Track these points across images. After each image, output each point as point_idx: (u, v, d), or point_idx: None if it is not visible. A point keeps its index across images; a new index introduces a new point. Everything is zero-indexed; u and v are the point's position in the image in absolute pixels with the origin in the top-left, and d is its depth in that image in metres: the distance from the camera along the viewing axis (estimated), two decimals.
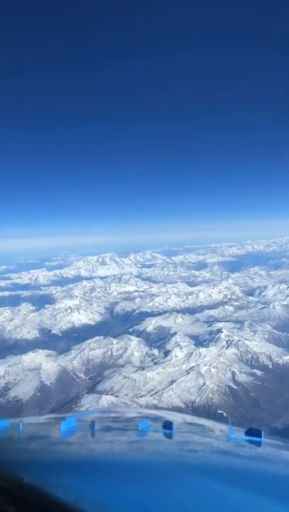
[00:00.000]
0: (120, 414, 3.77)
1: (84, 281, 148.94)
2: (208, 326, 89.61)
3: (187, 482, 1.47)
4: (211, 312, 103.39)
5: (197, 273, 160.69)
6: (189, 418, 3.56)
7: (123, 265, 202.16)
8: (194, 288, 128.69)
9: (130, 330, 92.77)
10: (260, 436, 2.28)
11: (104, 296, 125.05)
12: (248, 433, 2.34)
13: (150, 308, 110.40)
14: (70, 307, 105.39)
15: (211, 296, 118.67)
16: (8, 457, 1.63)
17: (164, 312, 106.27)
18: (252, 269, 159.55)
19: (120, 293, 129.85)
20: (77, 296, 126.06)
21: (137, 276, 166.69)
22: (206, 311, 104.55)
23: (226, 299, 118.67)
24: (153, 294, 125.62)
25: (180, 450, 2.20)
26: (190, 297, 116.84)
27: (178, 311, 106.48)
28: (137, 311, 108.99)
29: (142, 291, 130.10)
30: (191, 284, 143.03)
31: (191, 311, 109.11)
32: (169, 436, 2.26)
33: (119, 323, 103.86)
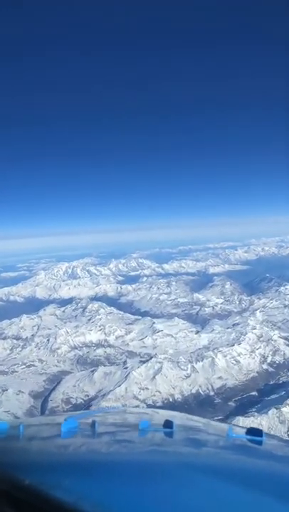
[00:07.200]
0: (121, 414, 3.54)
1: (25, 316, 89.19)
2: None
3: (188, 481, 1.43)
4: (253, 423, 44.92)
5: (201, 297, 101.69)
6: (190, 417, 3.36)
7: (98, 279, 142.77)
8: (203, 336, 70.15)
9: None
10: (260, 435, 2.16)
11: (40, 360, 65.58)
12: (249, 432, 2.23)
13: (122, 399, 51.64)
14: None
15: (238, 362, 60.07)
16: (8, 458, 1.56)
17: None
18: (283, 288, 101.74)
19: (74, 347, 70.58)
20: None
21: (114, 302, 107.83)
22: (240, 418, 45.85)
23: (265, 366, 60.38)
24: (131, 352, 66.89)
25: (181, 449, 2.12)
26: (198, 366, 58.05)
27: (177, 411, 48.02)
28: (93, 409, 50.28)
29: (111, 345, 70.98)
30: (195, 321, 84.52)
31: (205, 406, 50.57)
32: (170, 435, 2.18)
33: None
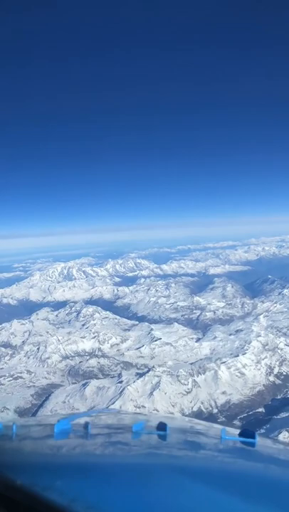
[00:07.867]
0: (114, 415, 3.48)
1: (16, 321, 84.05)
2: None
3: (181, 483, 1.44)
4: None
5: (201, 300, 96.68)
6: (183, 420, 3.51)
7: (94, 280, 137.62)
8: (205, 345, 65.12)
9: None
10: (253, 437, 2.20)
11: (28, 372, 60.38)
12: (242, 434, 2.25)
13: None
14: None
15: (243, 374, 54.88)
16: (0, 459, 1.55)
17: None
18: (286, 290, 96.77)
19: (65, 357, 65.52)
20: None
21: (110, 305, 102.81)
22: None
23: (272, 378, 55.29)
24: (126, 363, 61.78)
25: (174, 451, 2.15)
26: (200, 380, 52.95)
27: None
28: None
29: (105, 354, 65.84)
30: (196, 327, 79.71)
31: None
32: (163, 438, 2.19)
33: None
